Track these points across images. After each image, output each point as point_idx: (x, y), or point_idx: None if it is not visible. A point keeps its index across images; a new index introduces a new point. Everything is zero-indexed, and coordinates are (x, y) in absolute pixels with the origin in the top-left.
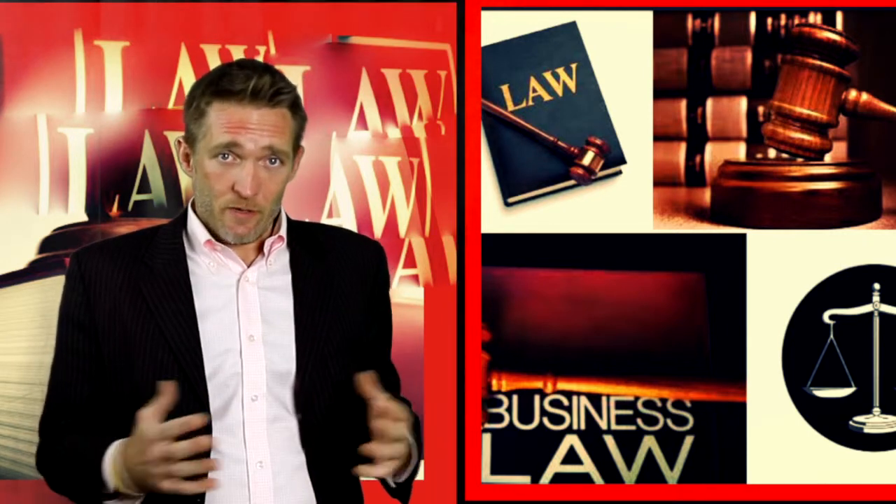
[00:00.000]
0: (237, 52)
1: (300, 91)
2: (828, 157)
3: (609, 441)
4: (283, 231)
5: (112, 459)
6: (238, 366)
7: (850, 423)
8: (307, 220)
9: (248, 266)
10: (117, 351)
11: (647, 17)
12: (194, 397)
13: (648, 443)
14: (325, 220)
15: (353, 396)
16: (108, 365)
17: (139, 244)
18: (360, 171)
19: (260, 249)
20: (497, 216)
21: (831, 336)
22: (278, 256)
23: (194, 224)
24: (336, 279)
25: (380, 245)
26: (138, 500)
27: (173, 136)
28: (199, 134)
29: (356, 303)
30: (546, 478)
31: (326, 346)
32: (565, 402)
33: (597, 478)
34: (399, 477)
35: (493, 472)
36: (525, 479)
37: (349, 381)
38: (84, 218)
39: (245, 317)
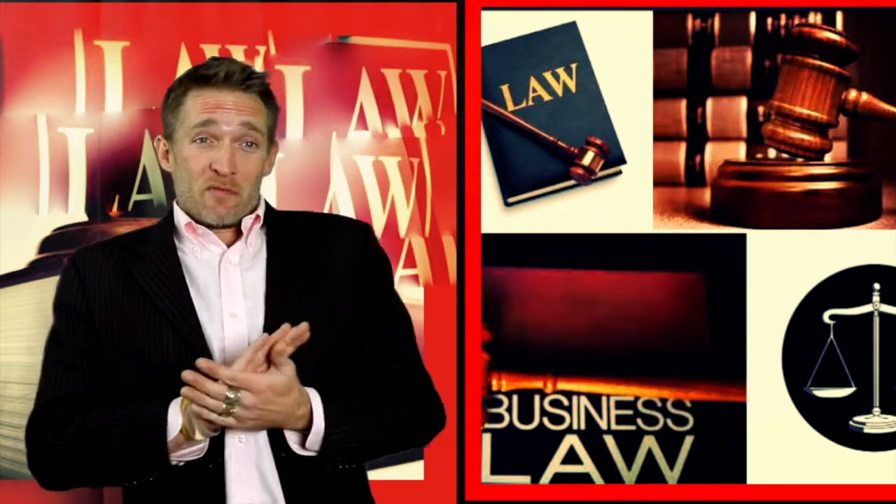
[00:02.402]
0: (237, 52)
1: (300, 91)
2: (828, 157)
3: (609, 441)
4: (261, 211)
5: (178, 404)
6: (222, 341)
7: (850, 423)
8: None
9: (229, 247)
10: (118, 336)
11: (647, 17)
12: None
13: (648, 443)
14: None
15: (335, 373)
16: (107, 353)
17: (131, 238)
18: (360, 171)
19: (239, 232)
20: (497, 216)
21: (831, 336)
22: (257, 238)
23: (178, 213)
24: (315, 258)
25: (364, 224)
26: (194, 451)
27: None
28: (176, 123)
29: (340, 281)
30: (546, 478)
31: (296, 318)
32: (565, 402)
33: (597, 478)
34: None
35: (493, 472)
36: (525, 479)
37: (331, 358)
38: (84, 218)
39: (227, 296)
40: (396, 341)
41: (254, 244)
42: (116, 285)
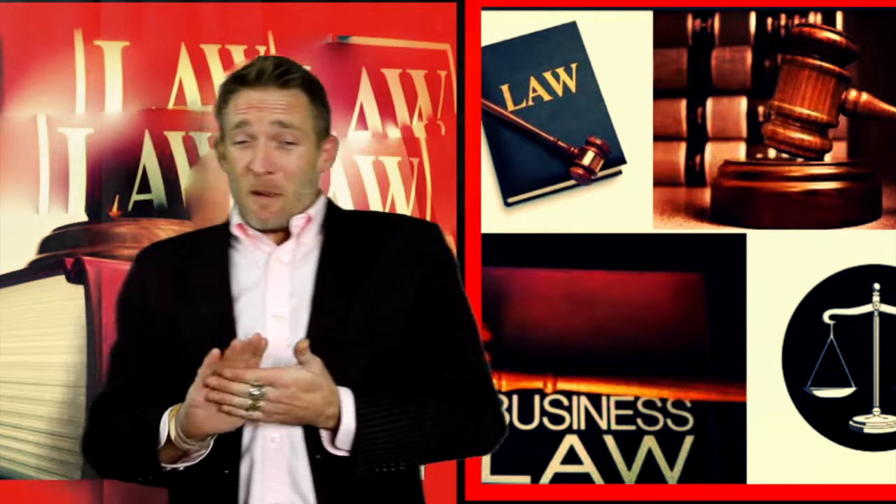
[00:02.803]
0: (237, 52)
1: None
2: (828, 157)
3: (609, 441)
4: (314, 211)
5: (170, 412)
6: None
7: (850, 423)
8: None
9: (278, 246)
10: (165, 335)
11: (647, 17)
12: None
13: (648, 443)
14: None
15: (384, 381)
16: (159, 348)
17: (192, 236)
18: (360, 171)
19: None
20: (497, 216)
21: (831, 336)
22: (312, 237)
23: (233, 213)
24: (370, 259)
25: (430, 225)
26: (192, 454)
27: (173, 136)
28: (222, 125)
29: (397, 284)
30: (546, 478)
31: (342, 321)
32: (565, 402)
33: (597, 478)
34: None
35: (493, 472)
36: (525, 479)
37: (379, 365)
38: (84, 218)
39: (272, 296)
40: (451, 347)
41: (307, 243)
42: (169, 284)
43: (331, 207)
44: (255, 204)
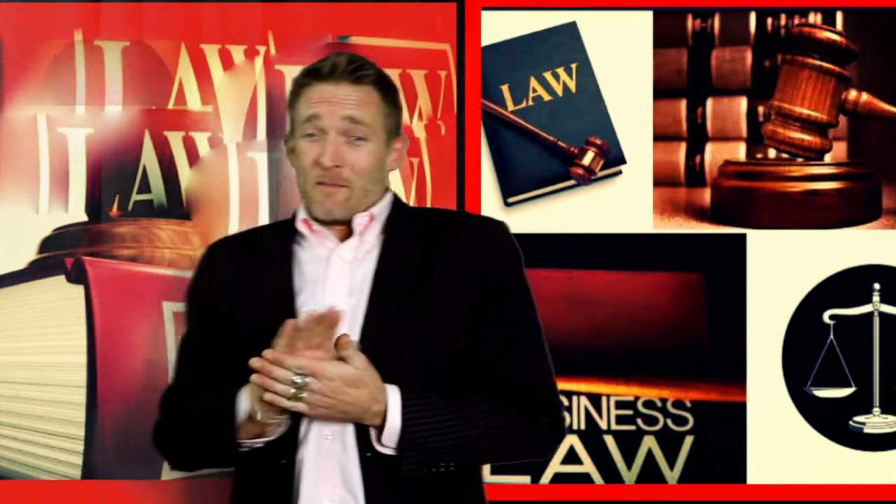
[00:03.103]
0: (237, 52)
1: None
2: (828, 157)
3: (609, 441)
4: (378, 209)
5: (247, 388)
6: None
7: (850, 423)
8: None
9: (341, 243)
10: (232, 328)
11: (647, 17)
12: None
13: (648, 443)
14: None
15: (440, 380)
16: (224, 340)
17: (260, 231)
18: None
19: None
20: (497, 216)
21: (831, 336)
22: (376, 235)
23: (299, 208)
24: (432, 257)
25: (495, 222)
26: (267, 432)
27: (173, 136)
28: (293, 119)
29: (458, 282)
30: (546, 478)
31: (398, 319)
32: (565, 402)
33: (597, 478)
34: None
35: (493, 472)
36: (525, 479)
37: (435, 364)
38: (84, 218)
39: (331, 293)
40: (509, 347)
41: (370, 241)
42: (236, 277)
43: (396, 205)
44: (320, 194)
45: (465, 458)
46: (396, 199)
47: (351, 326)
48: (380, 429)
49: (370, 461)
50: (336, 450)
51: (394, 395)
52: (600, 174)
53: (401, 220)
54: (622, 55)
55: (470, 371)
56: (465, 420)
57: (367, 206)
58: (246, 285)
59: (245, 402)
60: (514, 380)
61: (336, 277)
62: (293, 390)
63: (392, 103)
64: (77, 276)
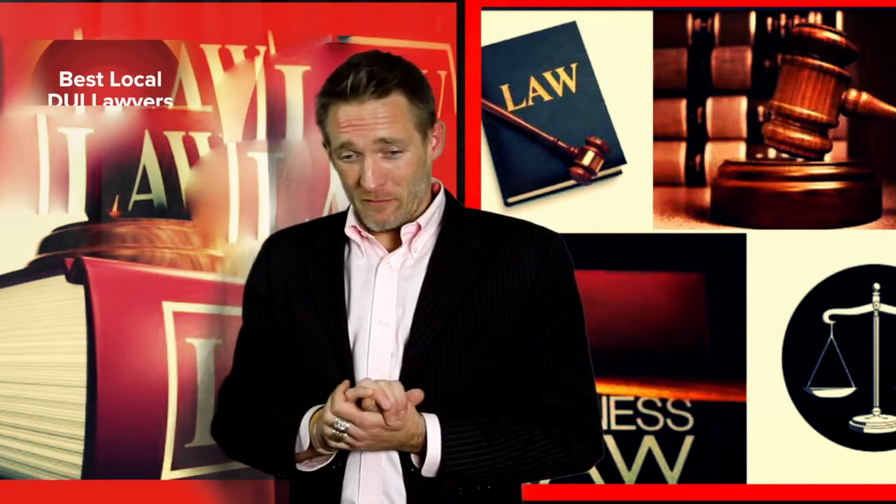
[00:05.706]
0: (237, 52)
1: (300, 91)
2: (828, 157)
3: (609, 441)
4: (426, 217)
5: (308, 419)
6: (367, 348)
7: (850, 423)
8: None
9: (390, 252)
10: (287, 326)
11: (647, 17)
12: (341, 371)
13: (648, 443)
14: None
15: (483, 398)
16: (281, 339)
17: (318, 227)
18: None
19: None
20: None
21: (831, 336)
22: (422, 242)
23: (349, 212)
24: (482, 269)
25: (550, 234)
26: (323, 459)
27: (173, 136)
28: (327, 137)
29: (507, 295)
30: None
31: (444, 333)
32: None
33: (597, 478)
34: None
35: None
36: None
37: (480, 381)
38: (84, 218)
39: (378, 302)
40: (551, 367)
41: (419, 248)
42: (293, 276)
43: (448, 207)
44: (370, 210)
45: (499, 482)
46: (449, 201)
47: (399, 338)
48: (421, 454)
49: (413, 476)
50: (381, 464)
51: (433, 426)
52: (600, 174)
53: (454, 226)
54: (622, 55)
55: (511, 387)
56: (503, 454)
57: (418, 206)
58: (300, 289)
59: (306, 434)
60: (556, 404)
61: (383, 288)
62: (333, 432)
63: (421, 99)
64: (77, 276)
